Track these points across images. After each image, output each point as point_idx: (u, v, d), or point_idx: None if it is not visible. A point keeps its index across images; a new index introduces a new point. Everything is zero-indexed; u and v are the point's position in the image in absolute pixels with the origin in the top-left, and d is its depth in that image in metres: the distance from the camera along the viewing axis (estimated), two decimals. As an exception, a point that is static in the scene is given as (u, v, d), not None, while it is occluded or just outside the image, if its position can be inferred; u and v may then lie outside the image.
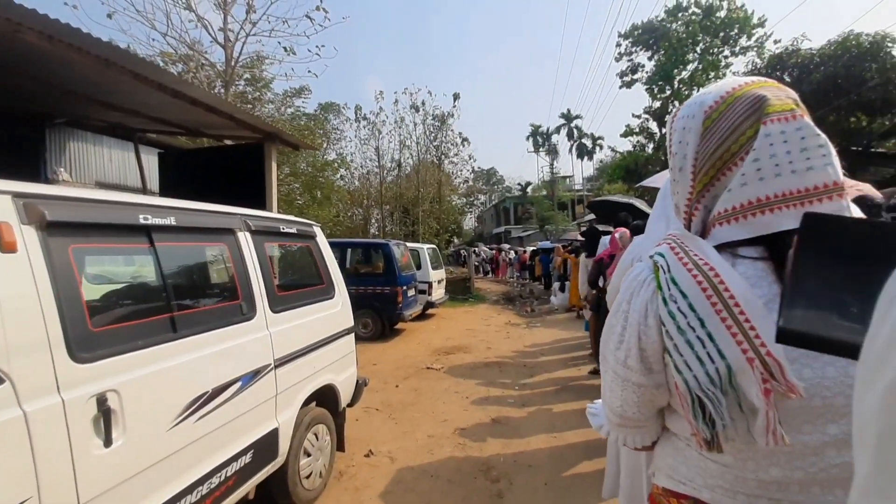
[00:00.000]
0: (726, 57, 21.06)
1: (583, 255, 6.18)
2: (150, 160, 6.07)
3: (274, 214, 2.89)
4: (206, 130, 5.44)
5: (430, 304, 9.76)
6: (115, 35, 13.28)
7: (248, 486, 2.10)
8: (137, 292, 1.81)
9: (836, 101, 11.53)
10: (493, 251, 25.64)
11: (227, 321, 1.99)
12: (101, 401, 1.35)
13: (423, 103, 21.37)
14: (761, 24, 20.18)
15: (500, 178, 55.41)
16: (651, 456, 0.89)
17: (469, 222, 47.16)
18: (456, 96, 21.86)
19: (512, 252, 22.56)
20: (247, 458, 2.03)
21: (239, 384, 1.98)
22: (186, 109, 4.14)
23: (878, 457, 0.25)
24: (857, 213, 0.67)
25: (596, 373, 5.04)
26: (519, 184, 48.63)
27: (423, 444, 3.59)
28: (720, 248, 0.71)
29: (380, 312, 7.75)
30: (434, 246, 12.26)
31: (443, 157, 22.79)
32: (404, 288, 7.94)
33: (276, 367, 2.25)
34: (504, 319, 10.04)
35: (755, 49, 20.01)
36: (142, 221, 1.64)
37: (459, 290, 14.15)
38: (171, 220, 1.75)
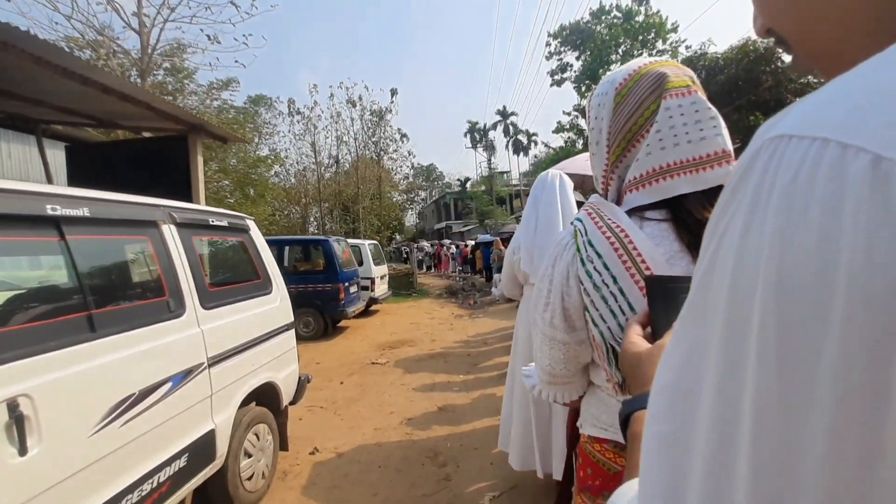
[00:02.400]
0: (646, 58, 22.56)
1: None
2: (57, 155, 5.45)
3: (202, 207, 2.73)
4: (121, 122, 4.98)
5: (373, 301, 9.64)
6: (11, 18, 11.82)
7: (185, 491, 2.00)
8: (46, 290, 1.65)
9: (737, 101, 12.73)
10: (436, 246, 25.80)
11: (152, 319, 1.88)
12: (13, 406, 1.24)
13: (360, 98, 21.03)
14: (674, 30, 21.87)
15: (439, 174, 55.72)
16: (567, 411, 0.97)
17: (410, 218, 47.11)
18: (394, 92, 21.73)
19: (453, 247, 22.81)
20: (181, 462, 1.93)
21: (169, 385, 1.87)
22: (98, 98, 3.77)
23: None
24: None
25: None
26: (458, 179, 49.18)
27: (369, 437, 3.57)
28: (631, 212, 0.79)
29: (321, 310, 7.55)
30: (375, 242, 12.11)
31: (382, 153, 22.56)
32: (346, 284, 7.78)
33: (209, 365, 2.15)
34: (448, 312, 10.16)
35: (669, 52, 21.61)
36: (49, 212, 1.50)
37: (403, 286, 14.12)
38: (84, 212, 1.62)
